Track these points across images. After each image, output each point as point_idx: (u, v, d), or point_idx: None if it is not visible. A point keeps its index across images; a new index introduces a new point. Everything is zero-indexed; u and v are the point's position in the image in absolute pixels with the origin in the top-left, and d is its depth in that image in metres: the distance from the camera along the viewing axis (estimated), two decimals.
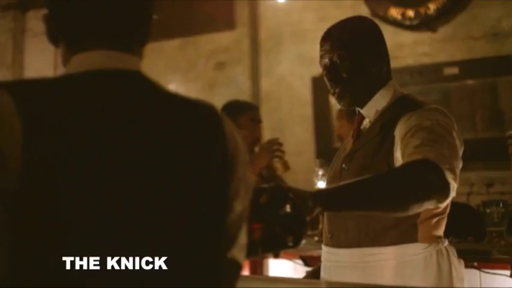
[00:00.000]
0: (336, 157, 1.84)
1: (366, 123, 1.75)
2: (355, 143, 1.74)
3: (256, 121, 3.01)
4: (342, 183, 1.43)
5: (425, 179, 1.35)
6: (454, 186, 1.37)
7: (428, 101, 1.68)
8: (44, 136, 0.81)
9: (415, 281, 1.56)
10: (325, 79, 1.72)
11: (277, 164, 2.90)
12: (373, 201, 1.33)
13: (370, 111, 1.71)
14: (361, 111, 1.74)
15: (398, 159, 1.53)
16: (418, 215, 1.57)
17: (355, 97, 1.70)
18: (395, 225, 1.58)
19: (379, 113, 1.69)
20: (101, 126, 0.86)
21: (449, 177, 1.36)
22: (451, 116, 1.59)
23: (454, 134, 1.52)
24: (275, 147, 2.64)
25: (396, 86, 1.73)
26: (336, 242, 1.69)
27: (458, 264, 1.66)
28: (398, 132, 1.56)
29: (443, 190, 1.36)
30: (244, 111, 2.97)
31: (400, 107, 1.65)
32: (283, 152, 2.66)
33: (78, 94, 0.88)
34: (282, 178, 2.98)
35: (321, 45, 1.72)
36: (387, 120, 1.64)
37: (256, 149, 3.10)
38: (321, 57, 1.72)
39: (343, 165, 1.71)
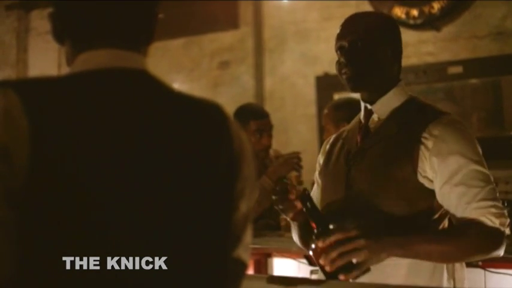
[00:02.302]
0: (327, 153, 1.79)
1: (374, 120, 1.70)
2: (363, 140, 1.68)
3: (263, 131, 3.01)
4: (417, 235, 1.52)
5: (495, 248, 1.54)
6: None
7: (437, 107, 1.69)
8: (51, 135, 0.81)
9: (422, 281, 1.55)
10: (338, 60, 1.66)
11: (292, 177, 2.96)
12: (443, 257, 1.54)
13: (382, 108, 1.67)
14: (371, 107, 1.69)
15: (429, 175, 1.55)
16: (430, 216, 1.57)
17: (366, 81, 1.65)
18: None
19: (392, 112, 1.66)
20: (107, 125, 0.86)
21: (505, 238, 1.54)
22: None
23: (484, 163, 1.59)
24: (295, 160, 2.74)
25: (405, 87, 1.72)
26: None
27: (459, 265, 1.66)
28: (435, 156, 1.54)
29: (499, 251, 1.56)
30: (250, 121, 2.97)
31: (416, 112, 1.62)
32: (301, 166, 2.76)
33: (84, 93, 0.88)
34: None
35: (342, 27, 1.68)
36: (405, 121, 1.61)
37: (272, 151, 3.13)
38: (339, 37, 1.67)
39: (351, 163, 1.66)
